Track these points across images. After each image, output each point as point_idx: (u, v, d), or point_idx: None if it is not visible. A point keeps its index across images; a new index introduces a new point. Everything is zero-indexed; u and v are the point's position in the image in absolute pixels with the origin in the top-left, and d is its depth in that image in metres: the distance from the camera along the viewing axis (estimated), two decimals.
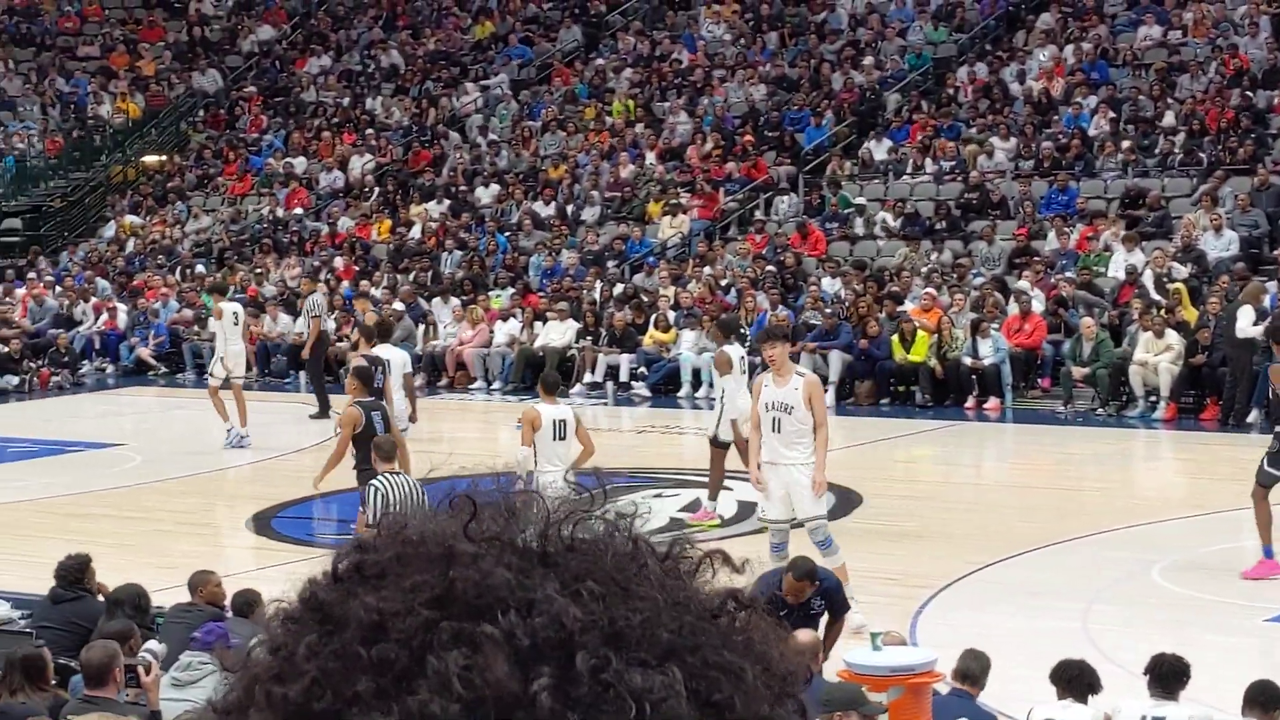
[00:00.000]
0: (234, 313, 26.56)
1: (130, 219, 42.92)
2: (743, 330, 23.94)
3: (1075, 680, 10.38)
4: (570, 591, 1.37)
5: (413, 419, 21.19)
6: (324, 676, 1.35)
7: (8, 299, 37.22)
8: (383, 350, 21.84)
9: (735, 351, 19.50)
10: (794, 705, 1.43)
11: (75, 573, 13.46)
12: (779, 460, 15.26)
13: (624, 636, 1.36)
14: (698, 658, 1.38)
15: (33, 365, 34.01)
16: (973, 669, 10.68)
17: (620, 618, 1.37)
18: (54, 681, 10.93)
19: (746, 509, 20.23)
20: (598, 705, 1.33)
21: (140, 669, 10.54)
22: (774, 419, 15.19)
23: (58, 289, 38.03)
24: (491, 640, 1.33)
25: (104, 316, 36.12)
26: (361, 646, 1.35)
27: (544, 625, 1.35)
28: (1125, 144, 33.99)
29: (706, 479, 19.93)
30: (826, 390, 28.46)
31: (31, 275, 39.16)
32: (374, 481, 14.84)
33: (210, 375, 26.46)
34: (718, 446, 19.57)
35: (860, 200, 34.87)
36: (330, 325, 32.66)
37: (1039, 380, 28.56)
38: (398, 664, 1.34)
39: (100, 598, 13.48)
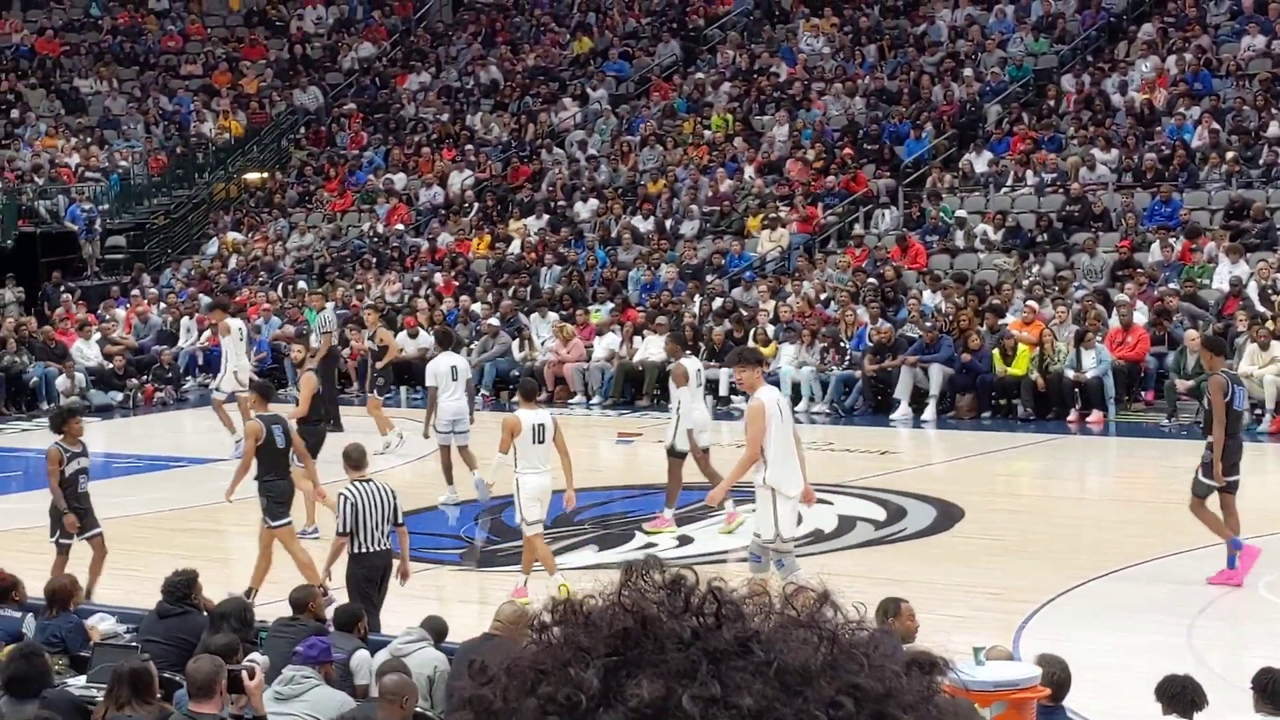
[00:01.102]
0: (239, 329, 27.28)
1: (232, 236, 43.27)
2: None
3: (1179, 696, 10.27)
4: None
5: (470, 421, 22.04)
6: None
7: (110, 316, 37.58)
8: (448, 357, 22.58)
9: (692, 364, 20.33)
10: None
11: (182, 588, 13.57)
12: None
13: None
14: None
15: (136, 381, 34.34)
16: (1060, 678, 10.53)
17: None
18: (159, 695, 11.01)
19: (847, 524, 20.19)
20: None
21: (244, 674, 10.61)
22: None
23: (161, 305, 38.35)
24: None
25: (206, 333, 36.40)
26: None
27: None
28: (1229, 155, 33.70)
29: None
30: (927, 404, 28.54)
31: (135, 292, 39.51)
32: (343, 490, 15.10)
33: (216, 389, 27.31)
34: (675, 456, 20.04)
35: (961, 213, 34.70)
36: (431, 340, 32.82)
37: (1142, 393, 28.31)
38: None
39: (204, 613, 13.59)
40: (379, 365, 27.63)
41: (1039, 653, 10.88)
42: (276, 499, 17.10)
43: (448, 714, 1.70)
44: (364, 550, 14.82)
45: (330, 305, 32.13)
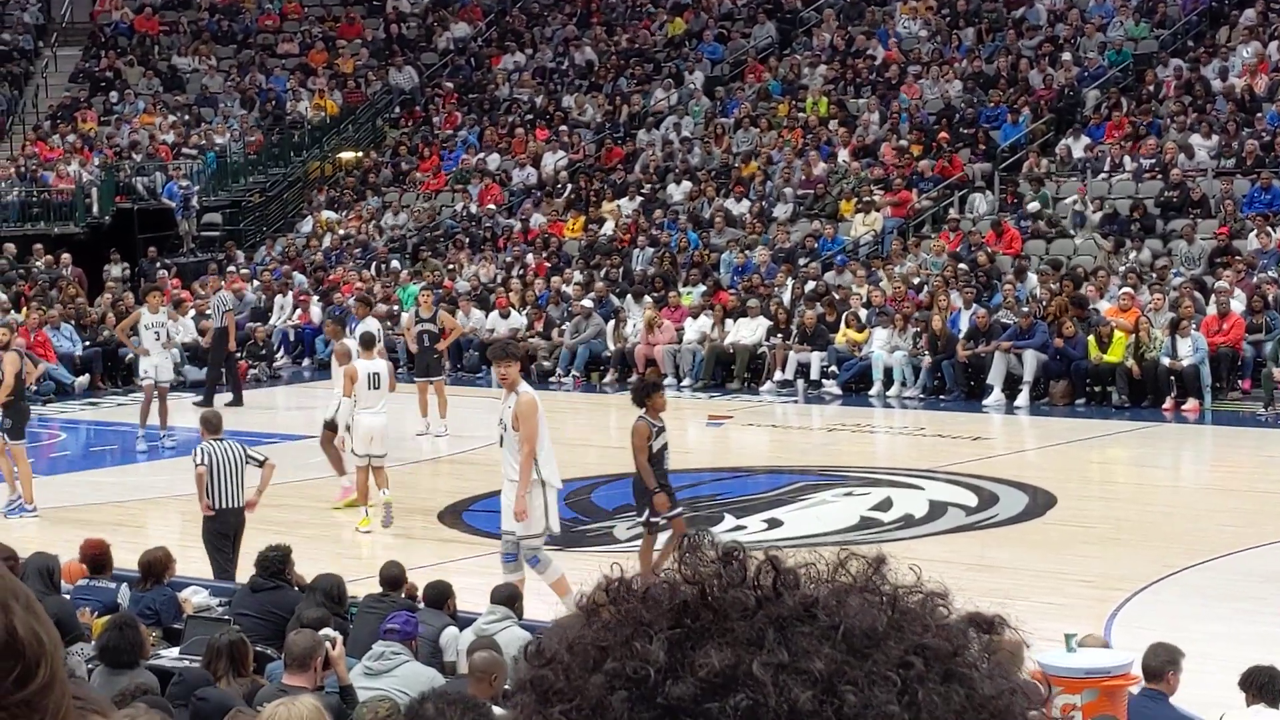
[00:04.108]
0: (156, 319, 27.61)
1: (327, 214, 43.49)
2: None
3: (1267, 686, 10.19)
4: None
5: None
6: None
7: (205, 293, 37.81)
8: (371, 321, 24.04)
9: (353, 344, 21.95)
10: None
11: (276, 564, 13.68)
12: (505, 474, 15.60)
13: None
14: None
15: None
16: (1156, 665, 10.45)
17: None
18: (252, 668, 11.10)
19: (938, 509, 20.11)
20: None
21: (326, 645, 10.67)
22: (499, 434, 15.65)
23: (255, 283, 38.59)
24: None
25: (298, 310, 36.58)
26: None
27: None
28: None
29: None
30: (1020, 390, 28.37)
31: (230, 269, 39.77)
32: (198, 448, 16.70)
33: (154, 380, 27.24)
34: (328, 429, 21.74)
35: (1059, 198, 34.43)
36: (523, 321, 32.98)
37: (1239, 381, 28.05)
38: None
39: (296, 588, 13.68)
40: (439, 347, 27.50)
41: (1153, 642, 10.81)
42: None
43: (509, 698, 1.70)
44: (219, 506, 16.44)
45: (224, 289, 32.37)
